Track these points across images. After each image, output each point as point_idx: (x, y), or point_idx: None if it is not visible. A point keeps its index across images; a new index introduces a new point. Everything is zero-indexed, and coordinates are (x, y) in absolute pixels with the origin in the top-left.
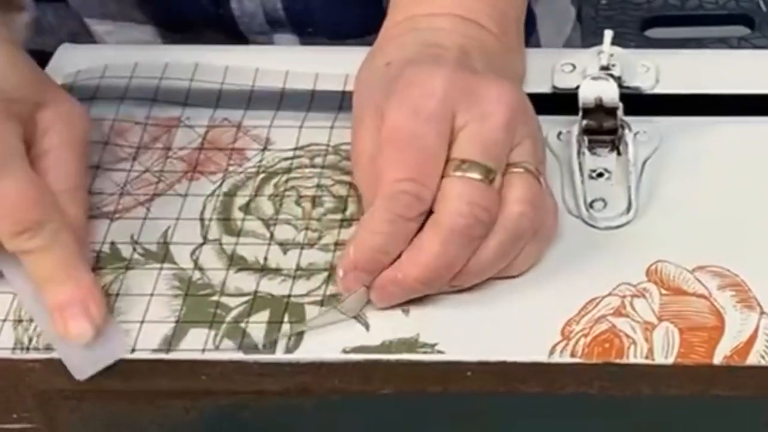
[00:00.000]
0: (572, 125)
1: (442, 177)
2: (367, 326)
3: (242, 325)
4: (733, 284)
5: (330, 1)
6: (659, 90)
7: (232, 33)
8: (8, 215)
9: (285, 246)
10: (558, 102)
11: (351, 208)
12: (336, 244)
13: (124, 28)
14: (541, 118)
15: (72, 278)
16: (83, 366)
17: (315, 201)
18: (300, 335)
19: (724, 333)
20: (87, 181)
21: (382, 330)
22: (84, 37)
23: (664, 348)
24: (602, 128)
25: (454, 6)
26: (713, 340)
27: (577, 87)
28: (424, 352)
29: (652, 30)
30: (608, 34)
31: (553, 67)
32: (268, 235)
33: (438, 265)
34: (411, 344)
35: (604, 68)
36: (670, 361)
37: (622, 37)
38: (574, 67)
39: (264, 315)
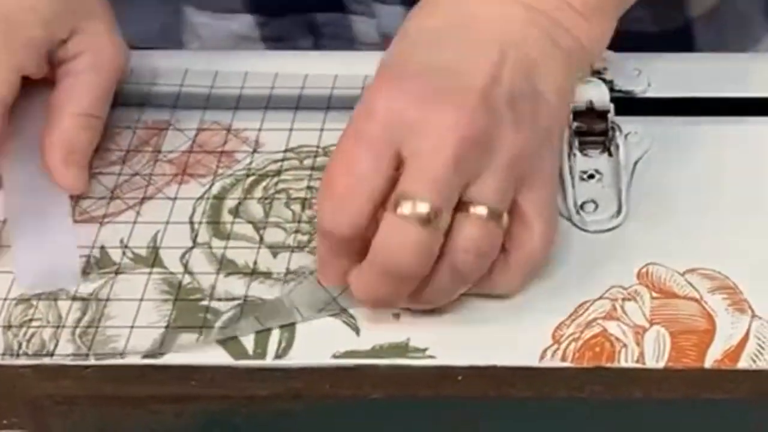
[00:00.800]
0: None
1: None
2: (357, 331)
3: (232, 329)
4: (725, 287)
5: None
6: (651, 94)
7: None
8: None
9: (275, 249)
10: None
11: None
12: None
13: (220, 20)
14: None
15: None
16: (33, 280)
17: (305, 203)
18: (290, 340)
19: (715, 336)
20: (104, 111)
21: (373, 335)
22: (175, 31)
23: (655, 352)
24: (593, 130)
25: None
26: (704, 343)
27: None
28: (415, 357)
29: None
30: None
31: None
32: (257, 238)
33: (372, 299)
34: (401, 349)
35: (596, 72)
36: (661, 365)
37: None
38: None
39: (253, 320)
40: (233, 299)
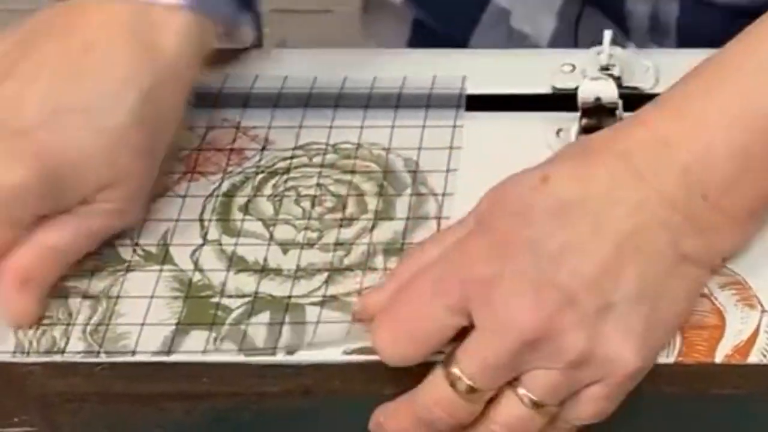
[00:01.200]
0: (572, 122)
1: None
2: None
3: (243, 326)
4: (734, 283)
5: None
6: (659, 89)
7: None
8: None
9: (285, 246)
10: (558, 101)
11: (350, 206)
12: (336, 243)
13: None
14: (540, 114)
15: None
16: None
17: (314, 200)
18: (301, 337)
19: (725, 332)
20: (80, 253)
21: None
22: None
23: (665, 347)
24: (602, 126)
25: (698, 145)
26: (714, 338)
27: (577, 87)
28: None
29: None
30: (608, 34)
31: (552, 68)
32: (267, 235)
33: None
34: None
35: (604, 68)
36: (671, 360)
37: None
38: (574, 67)
39: (265, 316)
40: (244, 296)
